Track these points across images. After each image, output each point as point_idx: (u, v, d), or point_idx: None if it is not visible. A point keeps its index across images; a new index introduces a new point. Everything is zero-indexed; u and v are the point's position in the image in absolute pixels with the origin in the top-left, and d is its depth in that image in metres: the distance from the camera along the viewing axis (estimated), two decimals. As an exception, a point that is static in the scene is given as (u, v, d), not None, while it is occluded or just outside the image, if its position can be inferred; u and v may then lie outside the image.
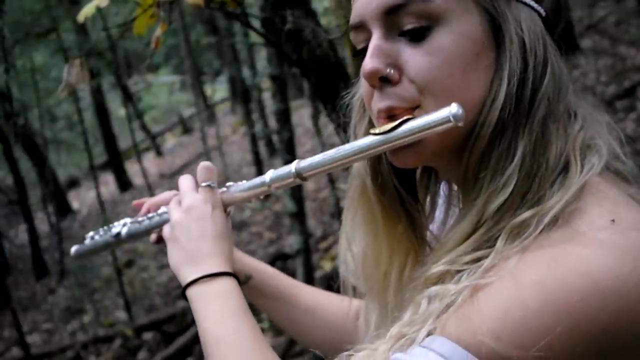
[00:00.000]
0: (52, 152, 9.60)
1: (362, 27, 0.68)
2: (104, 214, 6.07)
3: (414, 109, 0.65)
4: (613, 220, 0.58)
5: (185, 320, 4.94)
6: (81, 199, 12.00)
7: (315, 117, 5.30)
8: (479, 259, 0.62)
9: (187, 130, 14.55)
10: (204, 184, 0.85)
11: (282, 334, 3.82)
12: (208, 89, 14.28)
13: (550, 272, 0.56)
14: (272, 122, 6.62)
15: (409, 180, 0.80)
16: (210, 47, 13.08)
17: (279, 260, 4.76)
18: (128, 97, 10.44)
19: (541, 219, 0.60)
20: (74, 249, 1.01)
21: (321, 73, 1.48)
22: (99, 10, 1.34)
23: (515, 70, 0.63)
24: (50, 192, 8.77)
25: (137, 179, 10.87)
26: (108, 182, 11.71)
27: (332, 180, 5.26)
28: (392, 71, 0.65)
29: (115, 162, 11.22)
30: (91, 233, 1.00)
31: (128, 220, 0.96)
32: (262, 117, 8.00)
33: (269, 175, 0.80)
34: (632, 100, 4.88)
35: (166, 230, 0.86)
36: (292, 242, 3.57)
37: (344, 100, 0.82)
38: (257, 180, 0.82)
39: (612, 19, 7.11)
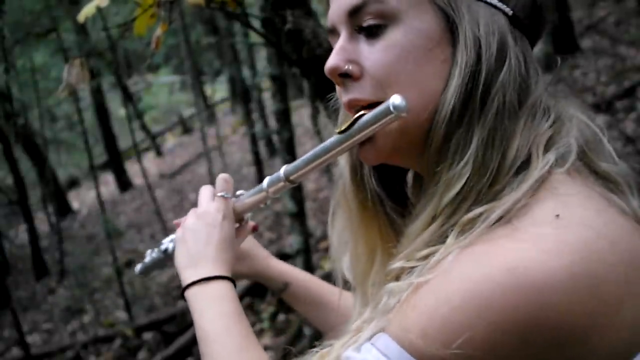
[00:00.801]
0: (52, 152, 9.61)
1: (334, 31, 0.72)
2: (104, 214, 6.07)
3: (373, 105, 0.68)
4: (557, 216, 0.58)
5: (185, 320, 4.94)
6: (81, 199, 12.01)
7: (315, 117, 5.31)
8: (430, 255, 0.63)
9: (187, 130, 14.55)
10: (219, 194, 0.91)
11: (282, 334, 3.82)
12: (208, 89, 14.28)
13: (477, 267, 0.57)
14: (272, 122, 6.62)
15: (396, 183, 0.82)
16: (210, 47, 13.08)
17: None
18: (128, 97, 10.44)
19: (488, 215, 0.61)
20: (138, 267, 1.09)
21: (321, 73, 1.47)
22: (99, 10, 1.34)
23: (468, 65, 0.65)
24: (50, 192, 8.77)
25: (137, 179, 10.88)
26: (108, 182, 11.72)
27: (332, 181, 5.25)
28: (350, 67, 0.69)
29: (115, 162, 11.23)
30: (149, 250, 1.07)
31: (173, 236, 1.01)
32: (262, 117, 7.99)
33: (266, 181, 0.85)
34: (632, 100, 4.88)
35: (178, 232, 0.91)
36: (292, 242, 3.56)
37: (331, 102, 0.85)
38: (258, 187, 0.87)
39: (612, 19, 7.12)
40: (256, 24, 1.59)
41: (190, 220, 0.90)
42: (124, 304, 5.54)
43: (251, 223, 0.99)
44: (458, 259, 0.60)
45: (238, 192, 0.93)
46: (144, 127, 12.92)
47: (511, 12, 0.67)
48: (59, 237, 7.61)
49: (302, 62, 1.46)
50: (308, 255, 3.50)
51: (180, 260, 0.87)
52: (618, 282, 0.56)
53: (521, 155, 0.64)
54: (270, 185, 0.84)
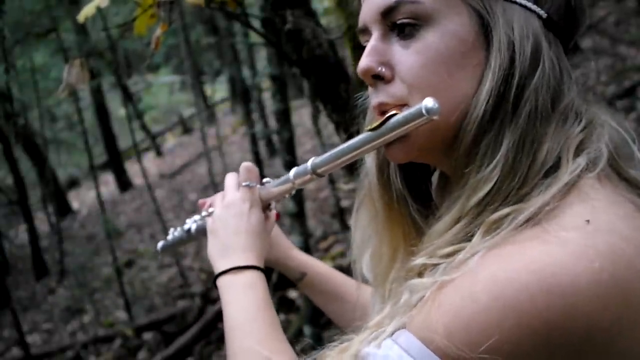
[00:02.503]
0: (52, 152, 9.60)
1: (366, 30, 0.72)
2: (104, 214, 6.07)
3: (403, 106, 0.68)
4: (588, 221, 0.58)
5: (185, 321, 4.94)
6: (81, 199, 12.00)
7: (315, 117, 5.30)
8: (454, 253, 0.63)
9: (187, 130, 14.54)
10: (243, 184, 0.92)
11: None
12: (208, 89, 14.26)
13: (504, 268, 0.57)
14: (272, 122, 6.61)
15: (421, 184, 0.82)
16: (210, 47, 13.07)
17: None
18: (128, 97, 10.43)
19: (516, 216, 0.61)
20: (159, 244, 1.09)
21: (321, 73, 1.48)
22: (99, 10, 1.34)
23: (502, 68, 0.64)
24: (50, 192, 8.77)
25: (137, 179, 10.87)
26: (108, 182, 11.71)
27: (332, 181, 5.25)
28: (383, 69, 0.69)
29: (115, 162, 11.22)
30: (172, 229, 1.08)
31: (197, 217, 1.03)
32: (262, 117, 7.98)
33: (292, 172, 0.86)
34: (632, 100, 4.88)
35: (209, 223, 0.93)
36: (292, 242, 3.57)
37: (358, 102, 0.85)
38: (284, 177, 0.89)
39: (612, 19, 7.12)
40: (256, 24, 1.59)
41: (218, 210, 0.92)
42: (124, 304, 5.54)
43: (274, 211, 0.99)
44: (485, 259, 0.59)
45: (265, 180, 0.95)
46: (144, 127, 12.91)
47: (546, 14, 0.67)
48: (59, 237, 7.61)
49: (302, 62, 1.46)
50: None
51: (211, 250, 0.90)
52: None
53: (551, 159, 0.64)
54: (296, 176, 0.85)
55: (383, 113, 0.70)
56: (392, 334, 0.61)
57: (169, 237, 1.07)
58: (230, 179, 0.94)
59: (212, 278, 0.88)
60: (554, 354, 0.56)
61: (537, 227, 0.60)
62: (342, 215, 5.28)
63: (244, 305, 0.81)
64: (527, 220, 0.61)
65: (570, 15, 0.69)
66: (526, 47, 0.65)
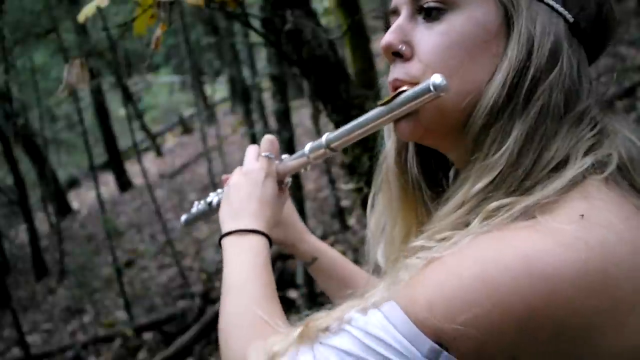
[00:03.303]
0: (52, 152, 9.61)
1: (396, 12, 0.75)
2: (104, 214, 6.07)
3: (416, 85, 0.69)
4: (582, 216, 0.59)
5: (185, 321, 4.94)
6: (81, 199, 12.00)
7: (315, 117, 5.31)
8: (450, 237, 0.64)
9: (187, 130, 14.54)
10: (263, 154, 0.95)
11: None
12: (208, 89, 14.27)
13: (492, 249, 0.58)
14: (272, 122, 6.62)
15: (436, 172, 0.84)
16: (210, 47, 13.08)
17: (279, 260, 4.75)
18: (128, 97, 10.43)
19: (513, 206, 0.62)
20: (183, 217, 1.12)
21: (321, 73, 1.48)
22: (99, 10, 1.34)
23: (518, 60, 0.66)
24: (50, 192, 8.78)
25: (137, 179, 10.87)
26: (108, 182, 11.70)
27: (332, 180, 5.26)
28: (403, 47, 0.71)
29: (115, 162, 11.22)
30: (195, 202, 1.10)
31: (220, 190, 1.05)
32: (262, 117, 7.98)
33: (307, 147, 0.89)
34: (632, 100, 4.88)
35: (225, 189, 0.96)
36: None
37: (380, 82, 0.85)
38: (300, 152, 0.92)
39: (612, 19, 7.11)
40: (256, 24, 1.59)
41: (234, 177, 0.94)
42: (124, 304, 5.54)
43: (289, 184, 1.01)
44: (474, 241, 0.61)
45: (283, 156, 0.97)
46: (144, 127, 12.91)
47: (572, 19, 0.68)
48: (59, 237, 7.62)
49: (302, 62, 1.46)
50: (308, 255, 3.49)
51: (222, 213, 0.92)
52: (635, 290, 0.57)
53: (558, 157, 0.65)
54: (311, 151, 0.88)
55: (396, 89, 0.71)
56: (379, 303, 0.63)
57: (192, 210, 1.09)
58: (251, 151, 0.97)
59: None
60: (530, 337, 0.56)
61: (531, 219, 0.61)
62: (342, 215, 5.28)
63: (245, 266, 0.82)
64: (525, 212, 0.62)
65: (599, 25, 0.70)
66: (545, 44, 0.66)
